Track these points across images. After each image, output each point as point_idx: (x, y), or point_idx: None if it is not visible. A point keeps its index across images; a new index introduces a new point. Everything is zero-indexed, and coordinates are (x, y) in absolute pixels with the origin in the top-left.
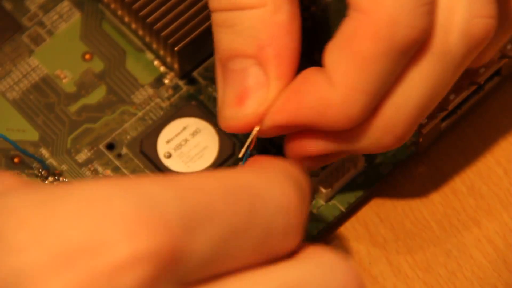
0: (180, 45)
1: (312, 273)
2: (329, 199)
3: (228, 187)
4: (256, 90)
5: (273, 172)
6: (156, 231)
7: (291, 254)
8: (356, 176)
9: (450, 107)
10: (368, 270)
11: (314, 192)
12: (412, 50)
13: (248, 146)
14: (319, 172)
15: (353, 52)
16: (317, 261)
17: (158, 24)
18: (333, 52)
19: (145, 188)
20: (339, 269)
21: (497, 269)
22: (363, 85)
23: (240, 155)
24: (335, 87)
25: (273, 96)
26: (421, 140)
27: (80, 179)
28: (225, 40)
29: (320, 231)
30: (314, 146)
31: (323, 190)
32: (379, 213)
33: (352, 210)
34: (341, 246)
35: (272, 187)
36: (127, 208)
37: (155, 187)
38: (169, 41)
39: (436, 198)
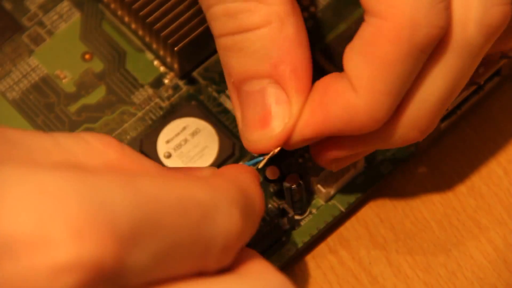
0: (180, 45)
1: (252, 285)
2: (329, 199)
3: (182, 201)
4: (278, 109)
5: (227, 193)
6: (103, 238)
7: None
8: (356, 176)
9: (450, 107)
10: (368, 270)
11: (313, 192)
12: (432, 47)
13: (269, 158)
14: (319, 172)
15: (376, 56)
16: (256, 275)
17: (158, 24)
18: (354, 58)
19: (103, 188)
20: (276, 282)
21: (497, 269)
22: (388, 87)
23: (261, 165)
24: (359, 92)
25: (297, 111)
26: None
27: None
28: (236, 63)
29: (320, 231)
30: (341, 151)
31: (323, 190)
32: (379, 213)
33: (352, 210)
34: (341, 246)
35: (222, 209)
36: (78, 208)
37: (113, 188)
38: (169, 41)
39: (436, 198)
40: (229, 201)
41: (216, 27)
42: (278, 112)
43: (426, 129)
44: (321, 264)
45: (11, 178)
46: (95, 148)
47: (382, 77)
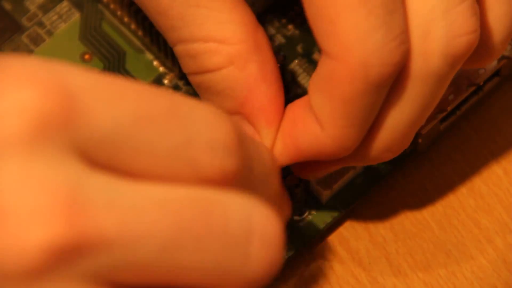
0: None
1: None
2: (328, 200)
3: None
4: None
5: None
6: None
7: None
8: (355, 177)
9: (449, 107)
10: (368, 270)
11: (313, 193)
12: (390, 82)
13: None
14: None
15: (333, 94)
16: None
17: None
18: (315, 93)
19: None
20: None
21: (497, 269)
22: (350, 121)
23: None
24: (324, 127)
25: (269, 144)
26: (420, 140)
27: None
28: (207, 100)
29: (319, 232)
30: (319, 169)
31: (322, 191)
32: (379, 213)
33: (352, 210)
34: (341, 246)
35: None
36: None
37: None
38: None
39: (436, 198)
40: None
41: (182, 66)
42: None
43: (397, 150)
44: (321, 264)
45: None
46: None
47: (343, 113)
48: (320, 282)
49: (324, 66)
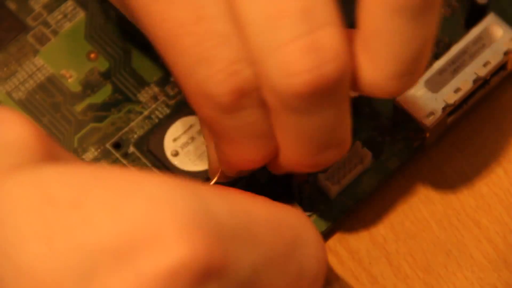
0: None
1: None
2: (337, 195)
3: (276, 219)
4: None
5: (310, 222)
6: (212, 240)
7: None
8: (363, 171)
9: (456, 102)
10: (368, 270)
11: (321, 188)
12: (240, 106)
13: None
14: (327, 168)
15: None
16: None
17: None
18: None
19: (204, 195)
20: None
21: (497, 269)
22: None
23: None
24: (218, 148)
25: (212, 158)
26: (428, 135)
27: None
28: None
29: (329, 227)
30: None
31: (331, 186)
32: (379, 213)
33: (361, 205)
34: (341, 246)
35: (311, 234)
36: (186, 210)
37: (213, 197)
38: None
39: (436, 198)
40: (316, 233)
41: None
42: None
43: (309, 166)
44: None
45: (109, 176)
46: None
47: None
48: None
49: None
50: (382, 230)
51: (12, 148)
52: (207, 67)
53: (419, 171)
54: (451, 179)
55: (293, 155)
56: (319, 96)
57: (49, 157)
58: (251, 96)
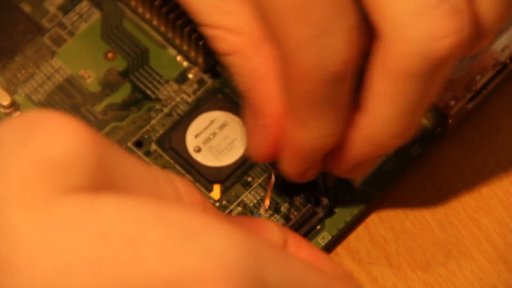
0: (204, 39)
1: None
2: (361, 184)
3: None
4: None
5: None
6: None
7: None
8: (386, 160)
9: (476, 87)
10: (368, 270)
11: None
12: (344, 80)
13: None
14: None
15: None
16: None
17: (182, 20)
18: None
19: (261, 257)
20: None
21: (497, 269)
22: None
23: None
24: (304, 124)
25: (258, 136)
26: (450, 121)
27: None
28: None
29: (354, 217)
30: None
31: (354, 176)
32: (379, 213)
33: (385, 194)
34: (341, 246)
35: None
36: (238, 272)
37: (270, 260)
38: (193, 36)
39: (436, 198)
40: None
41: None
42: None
43: (394, 139)
44: None
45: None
46: (182, 199)
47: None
48: None
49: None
50: (382, 230)
51: (65, 166)
52: (327, 38)
53: (419, 171)
54: (451, 179)
55: (387, 123)
56: (452, 60)
57: (107, 175)
58: (356, 66)
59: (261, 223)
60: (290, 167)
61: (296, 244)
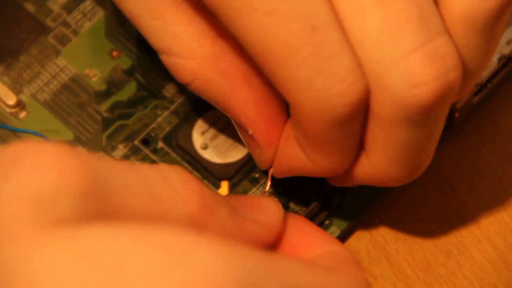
0: None
1: None
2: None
3: None
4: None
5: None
6: None
7: None
8: None
9: (483, 80)
10: (368, 270)
11: None
12: (354, 117)
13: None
14: None
15: (302, 131)
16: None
17: None
18: (292, 124)
19: (254, 271)
20: None
21: (497, 269)
22: (326, 151)
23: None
24: (306, 154)
25: (256, 146)
26: (456, 115)
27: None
28: None
29: (363, 211)
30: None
31: None
32: (379, 213)
33: (392, 188)
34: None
35: None
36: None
37: (264, 272)
38: None
39: (436, 198)
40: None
41: None
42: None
43: (398, 176)
44: None
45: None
46: (179, 194)
47: (316, 146)
48: None
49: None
50: (382, 230)
51: (48, 199)
52: (327, 78)
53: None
54: (451, 179)
55: (383, 168)
56: (438, 106)
57: (97, 199)
58: (363, 107)
59: (261, 202)
60: (280, 174)
61: (298, 224)
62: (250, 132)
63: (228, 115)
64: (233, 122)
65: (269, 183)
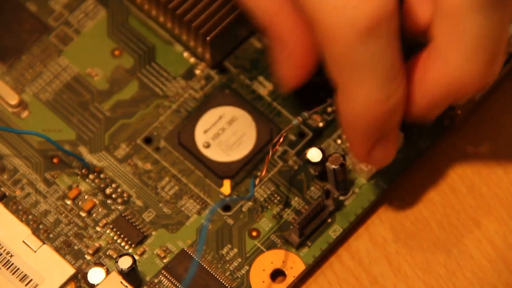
0: (211, 34)
1: None
2: (371, 177)
3: None
4: None
5: None
6: None
7: None
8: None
9: None
10: (368, 270)
11: (356, 171)
12: (379, 37)
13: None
14: None
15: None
16: None
17: (189, 15)
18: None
19: None
20: None
21: (497, 269)
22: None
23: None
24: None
25: (281, 65)
26: (459, 112)
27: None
28: None
29: (365, 210)
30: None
31: (365, 169)
32: (379, 213)
33: (394, 186)
34: (341, 246)
35: None
36: None
37: None
38: (201, 31)
39: (436, 198)
40: None
41: None
42: None
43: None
44: (321, 264)
45: None
46: None
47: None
48: (320, 281)
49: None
50: (382, 230)
51: None
52: None
53: (419, 171)
54: (451, 179)
55: (460, 61)
56: None
57: None
58: (390, 23)
59: None
60: (357, 148)
61: None
62: (288, 48)
63: (268, 32)
64: (272, 43)
65: (264, 171)
